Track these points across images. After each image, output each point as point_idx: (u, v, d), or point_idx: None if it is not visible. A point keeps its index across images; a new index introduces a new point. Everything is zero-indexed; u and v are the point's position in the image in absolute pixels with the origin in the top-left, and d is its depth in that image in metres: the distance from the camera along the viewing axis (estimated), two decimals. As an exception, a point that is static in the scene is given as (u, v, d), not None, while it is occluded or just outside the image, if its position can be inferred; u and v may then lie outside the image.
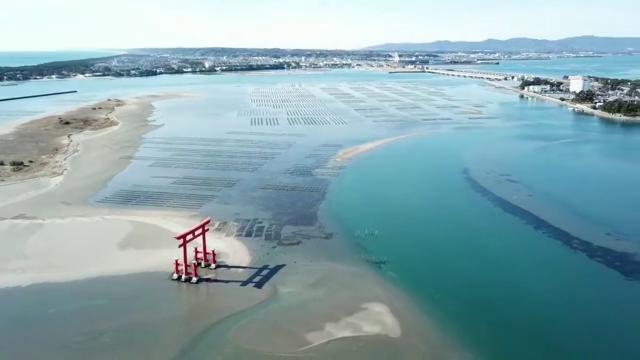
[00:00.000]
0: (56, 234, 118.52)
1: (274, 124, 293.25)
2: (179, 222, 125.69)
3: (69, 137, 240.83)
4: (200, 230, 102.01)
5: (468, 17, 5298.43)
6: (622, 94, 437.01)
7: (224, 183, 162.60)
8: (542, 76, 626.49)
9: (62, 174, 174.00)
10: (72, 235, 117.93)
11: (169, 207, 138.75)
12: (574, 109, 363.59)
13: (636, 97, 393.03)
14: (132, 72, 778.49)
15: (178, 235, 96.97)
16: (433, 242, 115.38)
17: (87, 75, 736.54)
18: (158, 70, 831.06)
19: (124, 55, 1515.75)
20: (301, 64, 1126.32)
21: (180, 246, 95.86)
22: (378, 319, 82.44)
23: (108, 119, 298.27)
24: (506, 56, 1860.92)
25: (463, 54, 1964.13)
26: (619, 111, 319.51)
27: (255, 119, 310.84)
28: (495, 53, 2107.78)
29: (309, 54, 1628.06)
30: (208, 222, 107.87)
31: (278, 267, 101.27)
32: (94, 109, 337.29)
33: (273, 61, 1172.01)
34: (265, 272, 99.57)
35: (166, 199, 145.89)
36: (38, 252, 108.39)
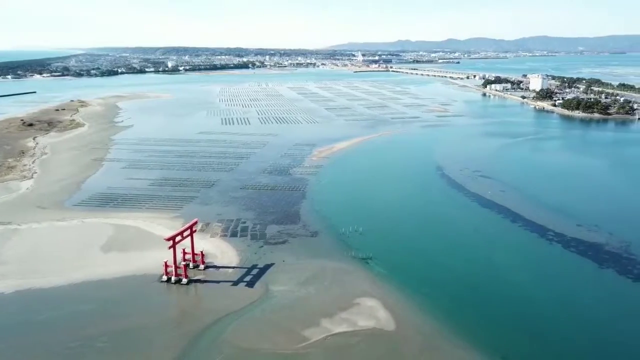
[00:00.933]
0: (34, 239, 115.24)
1: (245, 123, 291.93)
2: (161, 224, 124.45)
3: (34, 139, 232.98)
4: (188, 232, 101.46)
5: (428, 17, 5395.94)
6: (578, 91, 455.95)
7: (203, 184, 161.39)
8: (502, 75, 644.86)
9: (32, 177, 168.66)
10: (52, 240, 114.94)
11: (149, 209, 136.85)
12: (535, 107, 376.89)
13: (592, 95, 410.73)
14: (93, 72, 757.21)
15: (168, 236, 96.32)
16: (416, 238, 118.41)
17: (45, 75, 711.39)
18: (119, 70, 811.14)
19: (82, 55, 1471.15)
20: (265, 63, 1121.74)
21: (170, 247, 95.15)
22: (371, 313, 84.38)
23: (74, 120, 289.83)
24: (466, 55, 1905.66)
25: (424, 53, 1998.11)
26: (577, 108, 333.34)
27: (225, 118, 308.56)
28: (455, 52, 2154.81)
29: (272, 53, 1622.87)
30: (195, 223, 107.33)
31: (267, 266, 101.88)
32: (57, 110, 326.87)
33: (237, 60, 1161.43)
34: (255, 271, 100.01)
35: (145, 201, 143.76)
36: (17, 257, 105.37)
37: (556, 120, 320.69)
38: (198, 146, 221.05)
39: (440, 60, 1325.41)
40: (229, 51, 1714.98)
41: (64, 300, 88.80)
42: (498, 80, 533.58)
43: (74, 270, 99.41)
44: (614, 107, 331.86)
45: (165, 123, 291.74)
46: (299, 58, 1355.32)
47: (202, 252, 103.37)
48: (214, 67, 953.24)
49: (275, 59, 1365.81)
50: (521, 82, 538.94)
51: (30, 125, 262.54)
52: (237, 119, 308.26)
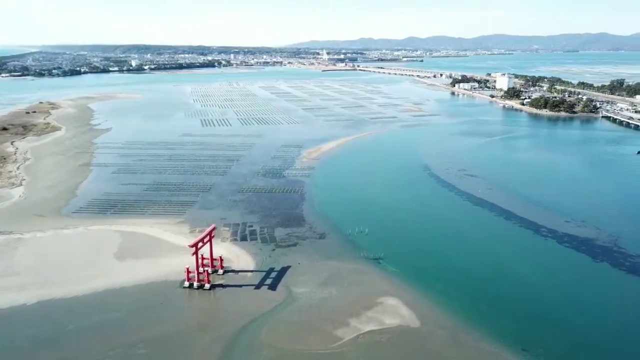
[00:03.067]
0: (42, 248, 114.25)
1: (226, 124, 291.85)
2: (168, 230, 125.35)
3: (12, 144, 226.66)
4: (207, 238, 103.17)
5: (390, 15, 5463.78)
6: (542, 90, 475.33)
7: (199, 188, 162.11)
8: (465, 73, 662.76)
9: (21, 184, 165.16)
10: (61, 249, 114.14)
11: (152, 214, 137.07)
12: (504, 105, 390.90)
13: (555, 93, 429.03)
14: (54, 71, 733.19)
15: (191, 243, 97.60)
16: (420, 237, 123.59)
17: (3, 75, 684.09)
18: (82, 70, 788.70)
19: (38, 53, 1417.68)
20: (232, 61, 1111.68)
21: (193, 254, 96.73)
22: (395, 311, 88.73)
23: (48, 123, 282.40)
24: (428, 54, 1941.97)
25: (387, 51, 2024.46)
26: (545, 107, 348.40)
27: (205, 120, 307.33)
28: (417, 50, 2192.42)
29: (237, 51, 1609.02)
30: (214, 229, 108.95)
31: (284, 269, 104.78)
32: (28, 113, 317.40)
33: (202, 59, 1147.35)
34: (273, 274, 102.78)
35: (145, 206, 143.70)
36: (30, 268, 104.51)
37: (526, 118, 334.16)
38: (185, 149, 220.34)
39: (404, 59, 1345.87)
40: (191, 49, 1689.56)
41: (90, 309, 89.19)
42: (466, 80, 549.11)
43: (92, 279, 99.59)
44: (579, 105, 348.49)
45: (144, 125, 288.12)
46: (264, 56, 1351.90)
47: (220, 257, 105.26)
48: (180, 66, 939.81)
49: (240, 57, 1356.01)
50: (487, 80, 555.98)
51: (5, 129, 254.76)
52: (216, 120, 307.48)
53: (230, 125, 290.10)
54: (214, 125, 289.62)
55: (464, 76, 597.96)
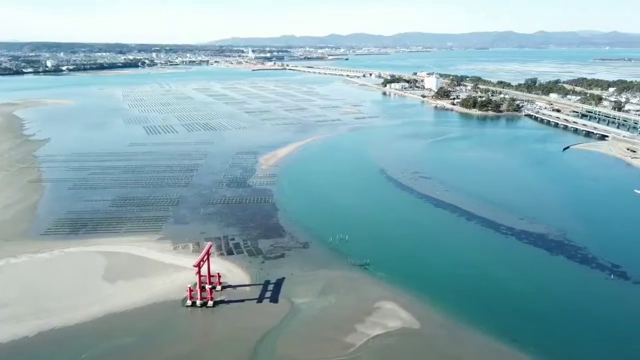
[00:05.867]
0: (23, 276, 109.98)
1: (172, 131, 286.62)
2: (151, 248, 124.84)
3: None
4: (206, 256, 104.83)
5: (311, 12, 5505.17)
6: (467, 89, 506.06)
7: (167, 201, 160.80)
8: (392, 72, 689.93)
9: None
10: (44, 275, 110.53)
11: (128, 232, 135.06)
12: (436, 106, 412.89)
13: (479, 93, 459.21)
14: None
15: (195, 263, 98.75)
16: (397, 240, 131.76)
17: None
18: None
19: None
20: (156, 61, 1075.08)
21: (196, 274, 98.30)
22: (395, 315, 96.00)
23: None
24: (351, 51, 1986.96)
25: (311, 49, 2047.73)
26: (474, 107, 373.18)
27: (147, 127, 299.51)
28: (339, 48, 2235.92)
29: (157, 49, 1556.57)
30: (210, 246, 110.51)
31: (280, 281, 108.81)
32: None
33: (122, 58, 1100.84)
34: (270, 286, 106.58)
35: (117, 224, 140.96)
36: (18, 298, 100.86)
37: (459, 118, 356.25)
38: (138, 160, 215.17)
39: (329, 57, 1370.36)
40: (108, 47, 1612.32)
41: (97, 336, 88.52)
42: (396, 80, 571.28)
43: (88, 305, 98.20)
44: (504, 104, 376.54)
45: (84, 134, 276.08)
46: (189, 55, 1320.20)
47: (218, 273, 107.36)
48: (101, 67, 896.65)
49: (163, 55, 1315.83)
50: (416, 80, 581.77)
51: None
52: (160, 127, 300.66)
53: (177, 132, 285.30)
54: (160, 132, 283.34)
55: (393, 76, 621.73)
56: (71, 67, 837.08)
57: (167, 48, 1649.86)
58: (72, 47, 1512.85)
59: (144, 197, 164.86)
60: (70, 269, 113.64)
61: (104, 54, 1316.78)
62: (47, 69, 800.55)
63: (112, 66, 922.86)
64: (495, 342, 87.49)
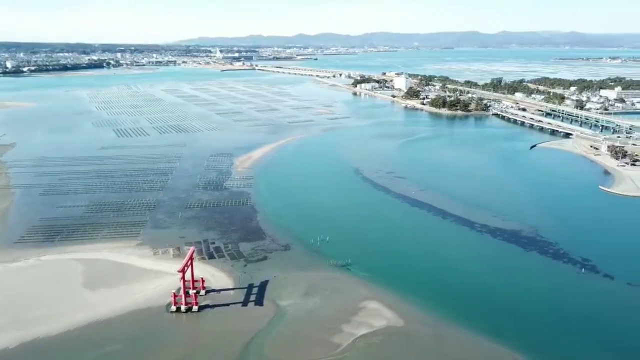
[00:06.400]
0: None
1: (143, 134, 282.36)
2: (130, 253, 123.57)
3: None
4: (190, 261, 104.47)
5: (279, 12, 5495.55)
6: (436, 89, 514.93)
7: (143, 206, 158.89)
8: (362, 72, 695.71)
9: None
10: (21, 284, 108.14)
11: (105, 238, 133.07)
12: (406, 106, 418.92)
13: (447, 92, 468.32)
14: None
15: (179, 269, 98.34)
16: (376, 240, 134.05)
17: None
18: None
19: None
20: (121, 61, 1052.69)
21: (180, 279, 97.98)
22: (379, 314, 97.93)
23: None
24: (319, 51, 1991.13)
25: (280, 49, 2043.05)
26: (443, 106, 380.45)
27: (117, 130, 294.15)
28: (308, 48, 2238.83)
29: (122, 49, 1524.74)
30: (194, 251, 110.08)
31: (263, 284, 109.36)
32: None
33: (86, 59, 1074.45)
34: (254, 290, 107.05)
35: (94, 230, 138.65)
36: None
37: (429, 118, 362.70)
38: (111, 164, 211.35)
39: (298, 57, 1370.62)
40: (71, 47, 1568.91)
41: (83, 345, 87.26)
42: (366, 80, 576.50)
43: (70, 313, 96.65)
44: (472, 104, 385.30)
45: (52, 138, 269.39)
46: (155, 55, 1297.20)
47: (202, 278, 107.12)
48: (64, 68, 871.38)
49: (128, 56, 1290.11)
50: (386, 81, 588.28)
51: None
52: (130, 129, 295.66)
53: (148, 134, 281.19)
54: (131, 135, 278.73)
55: (362, 76, 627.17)
56: (32, 68, 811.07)
57: (133, 48, 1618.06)
58: (32, 47, 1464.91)
59: (119, 202, 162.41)
60: (48, 277, 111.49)
61: (67, 54, 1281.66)
62: (6, 70, 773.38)
63: (76, 67, 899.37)
64: (477, 337, 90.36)
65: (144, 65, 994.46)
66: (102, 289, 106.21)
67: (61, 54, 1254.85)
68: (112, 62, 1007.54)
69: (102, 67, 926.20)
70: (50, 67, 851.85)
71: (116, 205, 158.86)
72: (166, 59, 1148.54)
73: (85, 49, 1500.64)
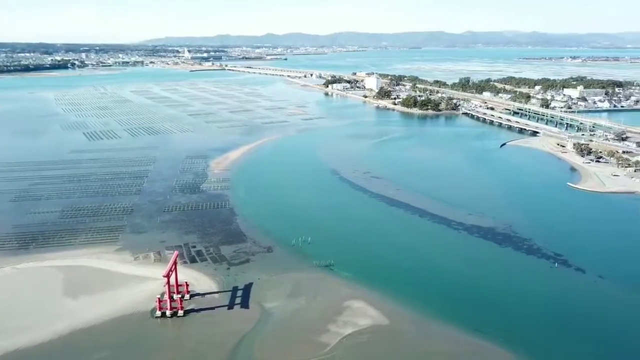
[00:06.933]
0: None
1: (114, 137, 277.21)
2: (110, 259, 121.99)
3: None
4: (174, 265, 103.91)
5: (247, 11, 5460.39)
6: (406, 89, 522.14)
7: (120, 210, 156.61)
8: (333, 72, 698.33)
9: None
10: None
11: (83, 244, 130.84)
12: (377, 106, 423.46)
13: (418, 92, 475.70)
14: None
15: (164, 274, 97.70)
16: (357, 240, 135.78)
17: None
18: None
19: None
20: (86, 62, 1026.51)
21: (165, 284, 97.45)
22: (364, 313, 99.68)
23: None
24: (289, 50, 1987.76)
25: (249, 49, 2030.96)
26: (415, 106, 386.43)
27: (88, 133, 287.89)
28: (277, 48, 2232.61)
29: (87, 49, 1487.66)
30: (177, 255, 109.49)
31: (248, 286, 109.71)
32: None
33: (49, 59, 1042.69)
34: (239, 292, 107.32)
35: (70, 236, 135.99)
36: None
37: (401, 118, 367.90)
38: (83, 168, 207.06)
39: (268, 57, 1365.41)
40: (31, 47, 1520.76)
41: (69, 354, 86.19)
42: (338, 80, 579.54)
43: (52, 322, 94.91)
44: (442, 103, 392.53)
45: (19, 142, 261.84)
46: (121, 55, 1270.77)
47: (186, 282, 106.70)
48: (27, 68, 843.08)
49: (93, 56, 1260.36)
50: (357, 81, 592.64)
51: None
52: (101, 132, 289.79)
53: (120, 137, 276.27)
54: (101, 138, 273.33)
55: (334, 76, 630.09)
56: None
57: (98, 48, 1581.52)
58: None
59: (94, 206, 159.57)
60: (27, 286, 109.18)
61: (28, 54, 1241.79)
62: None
63: (39, 68, 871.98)
64: (459, 332, 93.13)
65: (110, 65, 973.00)
66: (84, 296, 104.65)
67: (22, 54, 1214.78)
68: (77, 62, 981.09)
69: (67, 67, 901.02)
70: (12, 68, 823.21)
71: (92, 210, 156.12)
72: (133, 59, 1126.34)
73: (47, 49, 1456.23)
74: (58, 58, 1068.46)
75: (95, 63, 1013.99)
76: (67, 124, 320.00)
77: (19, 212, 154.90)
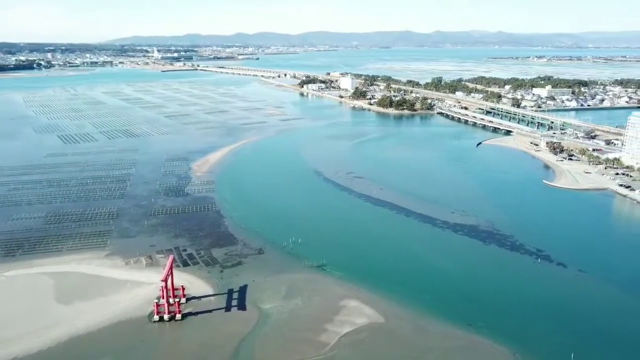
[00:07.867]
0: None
1: (91, 140, 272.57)
2: (101, 264, 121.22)
3: None
4: (170, 270, 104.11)
5: (216, 10, 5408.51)
6: (380, 89, 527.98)
7: (105, 215, 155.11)
8: (307, 72, 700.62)
9: None
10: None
11: (71, 250, 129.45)
12: (354, 106, 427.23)
13: (392, 92, 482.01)
14: None
15: (162, 278, 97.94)
16: (346, 240, 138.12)
17: None
18: None
19: None
20: (53, 62, 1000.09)
21: (164, 288, 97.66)
22: (360, 311, 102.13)
23: None
24: (260, 50, 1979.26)
25: (219, 48, 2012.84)
26: (390, 106, 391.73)
27: (62, 135, 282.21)
28: (247, 47, 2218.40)
29: (52, 49, 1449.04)
30: (173, 259, 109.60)
31: (243, 288, 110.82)
32: None
33: (13, 59, 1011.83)
34: (235, 295, 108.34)
35: (57, 242, 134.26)
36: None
37: (377, 118, 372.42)
38: (62, 172, 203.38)
39: (240, 57, 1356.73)
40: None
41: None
42: (313, 80, 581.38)
43: (48, 329, 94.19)
44: (417, 103, 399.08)
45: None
46: (89, 55, 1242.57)
47: (182, 286, 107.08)
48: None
49: (59, 56, 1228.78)
50: (332, 81, 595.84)
51: None
52: (76, 135, 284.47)
53: (96, 140, 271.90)
54: (78, 141, 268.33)
55: (308, 77, 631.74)
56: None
57: (63, 48, 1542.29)
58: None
59: (79, 211, 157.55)
60: (17, 293, 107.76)
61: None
62: None
63: (3, 68, 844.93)
64: (453, 327, 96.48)
65: (78, 66, 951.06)
66: (77, 303, 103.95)
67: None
68: (43, 62, 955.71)
69: (33, 68, 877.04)
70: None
71: (76, 215, 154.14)
72: (102, 59, 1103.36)
73: (10, 48, 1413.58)
74: (23, 58, 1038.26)
75: (62, 63, 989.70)
76: (39, 126, 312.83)
77: (1, 219, 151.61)
